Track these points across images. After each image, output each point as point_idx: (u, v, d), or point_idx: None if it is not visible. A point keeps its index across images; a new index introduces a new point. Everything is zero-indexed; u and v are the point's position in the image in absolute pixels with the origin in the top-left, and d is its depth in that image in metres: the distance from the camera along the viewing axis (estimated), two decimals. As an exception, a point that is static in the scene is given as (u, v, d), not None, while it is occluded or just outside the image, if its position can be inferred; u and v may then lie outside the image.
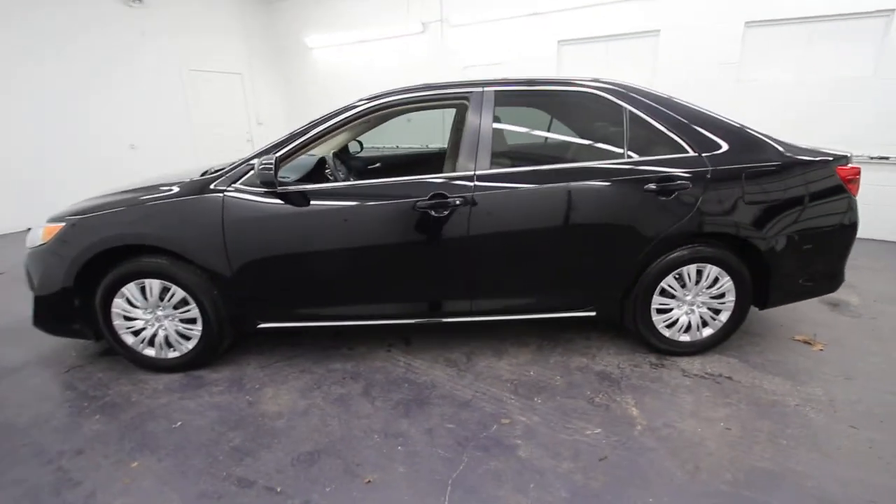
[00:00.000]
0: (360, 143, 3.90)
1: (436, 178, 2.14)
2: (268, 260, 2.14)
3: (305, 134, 2.19)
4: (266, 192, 2.11)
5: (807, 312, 2.89)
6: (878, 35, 4.36)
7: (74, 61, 5.87)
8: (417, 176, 2.15)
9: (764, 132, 2.25)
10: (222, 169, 2.24)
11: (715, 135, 2.18)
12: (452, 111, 3.26)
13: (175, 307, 2.21)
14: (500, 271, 2.21)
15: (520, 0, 5.70)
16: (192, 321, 2.23)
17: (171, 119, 7.01)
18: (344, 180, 2.71)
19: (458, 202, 2.07)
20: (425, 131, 6.76)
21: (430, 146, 6.97)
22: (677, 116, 2.19)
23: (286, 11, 8.04)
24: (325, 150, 3.58)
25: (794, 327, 2.71)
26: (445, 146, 4.24)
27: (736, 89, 4.89)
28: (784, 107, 4.68)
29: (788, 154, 2.18)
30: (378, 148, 7.32)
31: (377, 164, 3.71)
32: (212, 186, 2.12)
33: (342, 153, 3.70)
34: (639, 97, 2.21)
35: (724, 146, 2.16)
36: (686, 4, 4.89)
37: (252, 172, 2.11)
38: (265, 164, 1.98)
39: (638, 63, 5.34)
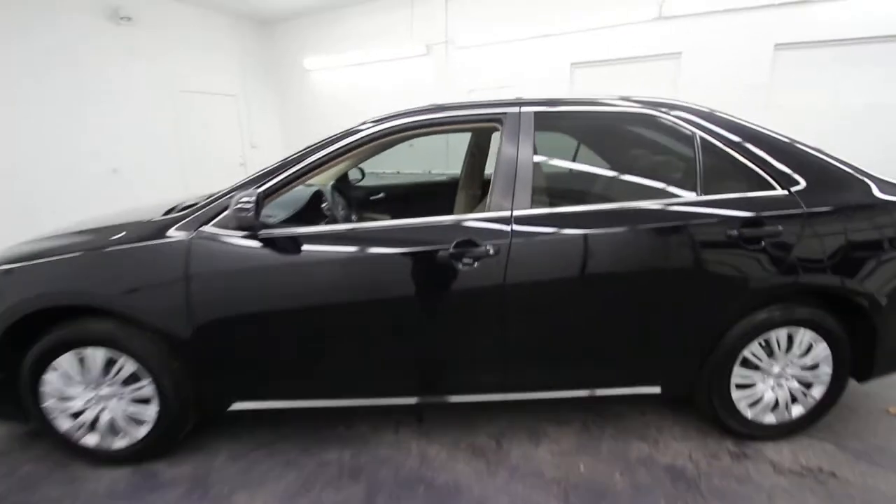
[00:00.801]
0: (362, 171, 3.48)
1: (462, 220, 1.69)
2: (246, 323, 1.67)
3: (299, 163, 1.75)
4: (246, 235, 1.65)
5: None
6: (919, 58, 4.06)
7: (56, 80, 5.46)
8: (438, 217, 1.71)
9: (850, 162, 1.85)
10: (195, 204, 1.79)
11: (791, 168, 1.76)
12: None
13: (124, 383, 1.72)
14: (543, 337, 1.75)
15: (530, 22, 5.41)
16: (147, 401, 1.74)
17: (159, 141, 6.60)
18: (344, 216, 2.27)
19: (491, 251, 1.61)
20: (427, 156, 6.39)
21: (432, 172, 6.60)
22: (756, 145, 1.77)
23: (284, 33, 7.76)
24: (324, 179, 3.15)
25: (883, 396, 2.24)
26: (449, 172, 3.85)
27: (764, 114, 4.55)
28: (814, 132, 4.33)
29: (887, 192, 1.76)
30: (378, 174, 6.96)
31: (381, 195, 3.28)
32: (174, 229, 1.66)
33: (341, 182, 3.27)
34: (711, 123, 1.80)
35: (802, 182, 1.75)
36: (711, 26, 4.59)
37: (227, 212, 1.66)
38: (243, 202, 1.53)
39: (658, 86, 5.01)
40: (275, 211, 1.93)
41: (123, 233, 1.68)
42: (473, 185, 3.14)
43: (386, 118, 1.84)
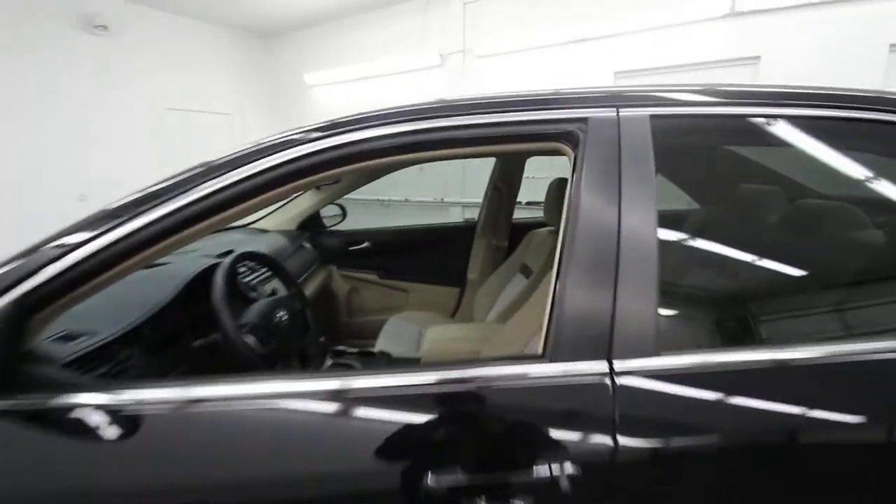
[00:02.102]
0: (343, 209, 2.53)
1: (481, 377, 0.69)
2: None
3: (136, 218, 0.81)
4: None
5: None
6: None
7: (16, 94, 4.77)
8: (415, 373, 0.71)
9: None
10: None
11: None
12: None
13: None
14: None
15: (565, 24, 4.52)
16: None
17: (137, 165, 5.84)
18: (259, 321, 1.23)
19: (564, 480, 0.61)
20: (439, 179, 5.48)
21: (444, 200, 5.65)
22: None
23: (284, 47, 7.07)
24: (278, 221, 2.23)
25: None
26: (466, 201, 2.86)
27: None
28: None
29: None
30: (384, 202, 6.00)
31: (365, 244, 2.31)
32: None
33: (310, 223, 2.34)
34: None
35: None
36: (802, 23, 3.61)
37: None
38: None
39: (727, 100, 4.02)
40: (94, 324, 0.98)
41: None
42: (497, 234, 2.17)
43: (345, 125, 0.89)
